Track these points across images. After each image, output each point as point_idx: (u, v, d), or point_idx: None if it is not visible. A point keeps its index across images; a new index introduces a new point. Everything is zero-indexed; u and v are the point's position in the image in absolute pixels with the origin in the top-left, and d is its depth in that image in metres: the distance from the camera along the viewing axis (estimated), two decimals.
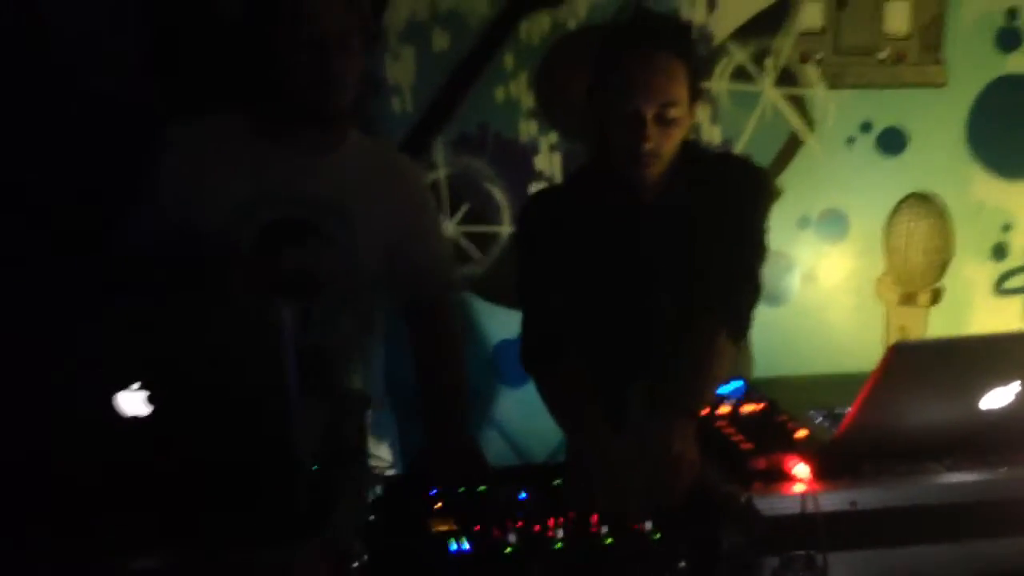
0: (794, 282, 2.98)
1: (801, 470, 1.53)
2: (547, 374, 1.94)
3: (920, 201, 2.97)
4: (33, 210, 2.37)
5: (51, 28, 2.47)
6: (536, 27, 2.77)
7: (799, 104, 2.89)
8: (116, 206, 2.02)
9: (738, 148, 2.86)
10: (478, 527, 1.50)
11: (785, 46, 2.85)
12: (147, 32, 2.53)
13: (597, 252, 1.95)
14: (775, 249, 2.00)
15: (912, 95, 2.90)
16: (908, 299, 3.01)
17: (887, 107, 2.90)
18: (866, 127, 2.91)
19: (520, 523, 1.51)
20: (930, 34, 2.88)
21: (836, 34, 2.86)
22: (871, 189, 2.95)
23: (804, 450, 1.57)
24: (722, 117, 2.86)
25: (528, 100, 2.80)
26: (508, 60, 2.77)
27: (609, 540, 1.49)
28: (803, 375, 2.10)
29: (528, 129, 2.81)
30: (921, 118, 2.91)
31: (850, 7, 2.84)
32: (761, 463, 1.55)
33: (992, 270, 3.05)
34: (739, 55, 2.84)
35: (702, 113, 2.78)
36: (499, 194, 2.84)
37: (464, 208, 2.84)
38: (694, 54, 1.89)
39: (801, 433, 1.65)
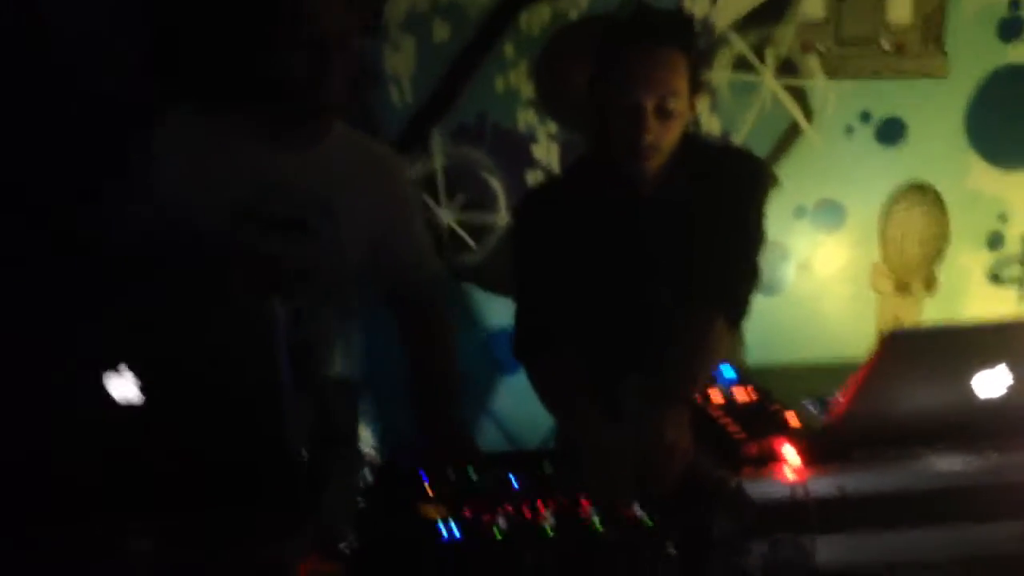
0: (789, 271, 2.97)
1: (792, 456, 1.53)
2: (538, 363, 1.95)
3: (917, 191, 2.96)
4: (33, 210, 2.38)
5: (51, 28, 2.47)
6: (536, 17, 2.76)
7: (799, 94, 2.88)
8: (116, 206, 2.02)
9: (737, 138, 2.85)
10: (468, 513, 1.50)
11: (786, 36, 2.84)
12: (147, 32, 2.53)
13: (596, 244, 1.95)
14: (771, 238, 2.00)
15: (912, 85, 2.88)
16: (903, 288, 3.01)
17: (887, 97, 2.89)
18: (865, 117, 2.90)
19: (510, 508, 1.51)
20: (932, 24, 2.86)
21: (837, 24, 2.85)
22: (868, 179, 2.94)
23: (797, 437, 1.57)
24: (721, 106, 2.85)
25: (527, 90, 2.79)
26: (508, 49, 2.77)
27: (599, 527, 1.49)
28: (797, 363, 2.10)
29: (526, 119, 2.81)
30: (920, 108, 2.90)
31: None
32: (753, 449, 1.55)
33: (987, 259, 3.05)
34: (739, 44, 2.83)
35: (701, 103, 2.78)
36: (497, 184, 2.84)
37: (461, 197, 2.84)
38: (696, 48, 1.89)
39: (794, 421, 1.66)
